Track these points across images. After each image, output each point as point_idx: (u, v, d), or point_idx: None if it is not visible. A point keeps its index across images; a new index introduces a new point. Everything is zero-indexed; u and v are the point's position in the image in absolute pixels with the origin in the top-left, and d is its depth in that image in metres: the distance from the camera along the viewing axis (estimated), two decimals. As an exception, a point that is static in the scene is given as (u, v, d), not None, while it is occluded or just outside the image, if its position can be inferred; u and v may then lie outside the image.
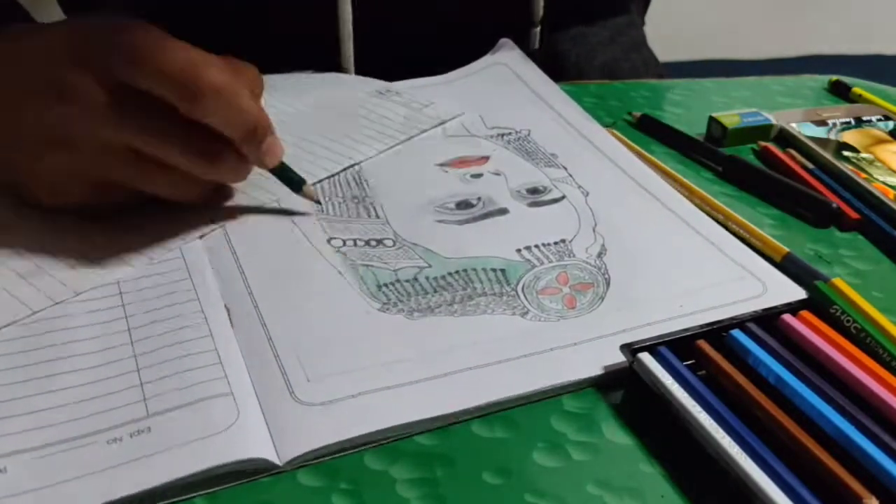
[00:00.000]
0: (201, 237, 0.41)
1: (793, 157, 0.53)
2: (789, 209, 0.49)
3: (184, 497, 0.29)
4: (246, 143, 0.40)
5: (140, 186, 0.40)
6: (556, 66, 0.67)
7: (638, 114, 0.57)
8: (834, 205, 0.47)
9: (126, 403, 0.31)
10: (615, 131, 0.55)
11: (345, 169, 0.48)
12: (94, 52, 0.37)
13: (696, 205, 0.47)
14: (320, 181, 0.46)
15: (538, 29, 0.67)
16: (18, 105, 0.38)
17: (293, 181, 0.43)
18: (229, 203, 0.44)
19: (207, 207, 0.43)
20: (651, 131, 0.57)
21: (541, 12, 0.66)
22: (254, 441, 0.30)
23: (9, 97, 0.38)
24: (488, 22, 0.67)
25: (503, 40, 0.63)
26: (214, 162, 0.39)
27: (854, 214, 0.47)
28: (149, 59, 0.36)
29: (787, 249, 0.43)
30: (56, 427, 0.30)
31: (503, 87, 0.59)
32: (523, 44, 0.66)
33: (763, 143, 0.55)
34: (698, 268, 0.41)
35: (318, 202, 0.44)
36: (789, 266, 0.42)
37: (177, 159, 0.38)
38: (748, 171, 0.52)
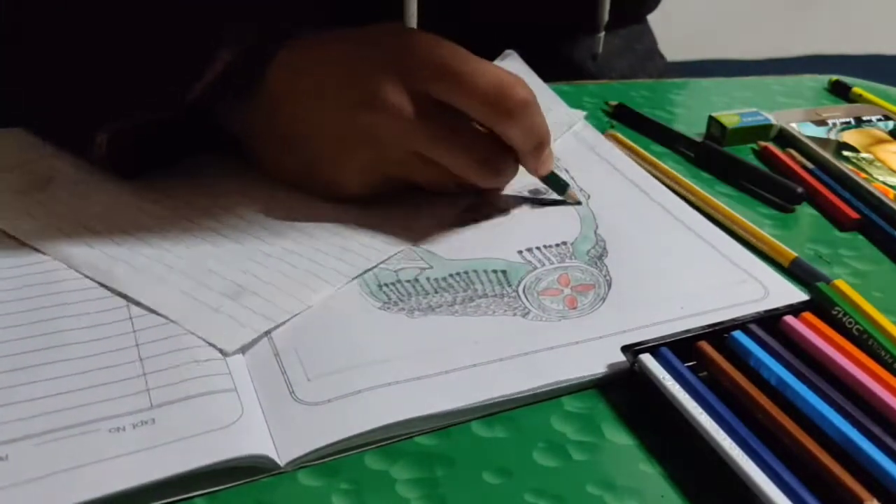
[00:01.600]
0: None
1: (792, 157, 0.53)
2: (757, 194, 0.50)
3: (183, 497, 0.29)
4: (531, 155, 0.43)
5: (427, 187, 0.44)
6: (574, 75, 0.67)
7: (614, 103, 0.58)
8: (799, 189, 0.48)
9: (129, 393, 0.31)
10: (616, 133, 0.55)
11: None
12: (410, 67, 0.40)
13: (700, 207, 0.47)
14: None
15: (602, 35, 0.68)
16: (331, 104, 0.41)
17: (559, 185, 0.46)
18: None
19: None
20: (626, 121, 0.57)
21: (606, 18, 0.67)
22: (258, 439, 0.30)
23: (322, 94, 0.41)
24: (553, 26, 0.68)
25: (507, 51, 0.63)
26: (499, 174, 0.43)
27: (854, 214, 0.47)
28: (464, 79, 0.40)
29: (794, 254, 0.42)
30: (57, 414, 0.30)
31: None
32: (585, 48, 0.68)
33: (763, 143, 0.55)
34: (700, 271, 0.41)
35: (580, 202, 0.46)
36: (796, 271, 0.42)
37: (468, 171, 0.42)
38: (718, 157, 0.53)
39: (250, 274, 0.38)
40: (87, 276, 0.37)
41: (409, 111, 0.40)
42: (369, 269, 0.39)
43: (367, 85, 0.40)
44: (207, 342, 0.34)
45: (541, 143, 0.42)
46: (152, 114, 0.44)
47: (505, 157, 0.43)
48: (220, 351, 0.34)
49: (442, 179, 0.43)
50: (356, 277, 0.39)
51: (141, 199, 0.43)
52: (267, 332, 0.35)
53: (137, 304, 0.36)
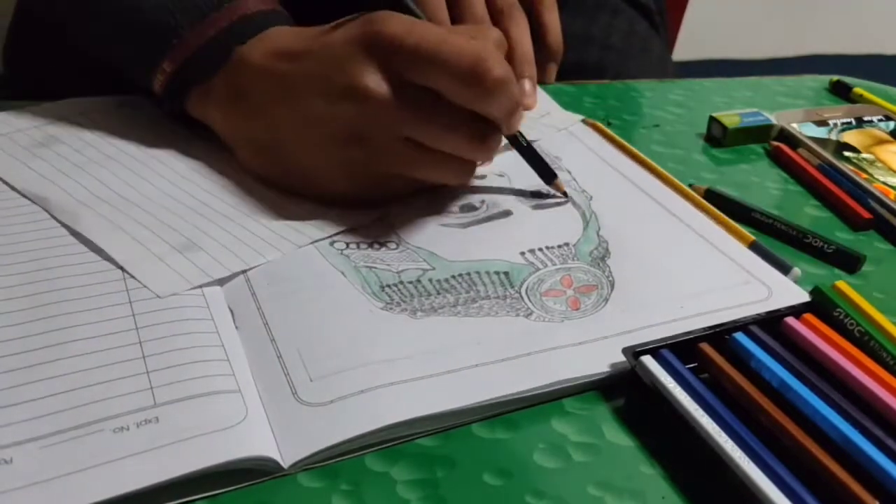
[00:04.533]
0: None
1: (804, 157, 0.53)
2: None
3: (184, 500, 0.28)
4: (507, 122, 0.43)
5: (419, 175, 0.43)
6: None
7: (702, 188, 0.50)
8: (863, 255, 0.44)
9: (133, 391, 0.31)
10: (599, 123, 0.55)
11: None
12: (386, 52, 0.39)
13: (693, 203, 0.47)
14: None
15: None
16: (300, 103, 0.41)
17: (548, 174, 0.47)
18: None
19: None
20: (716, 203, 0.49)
21: None
22: (263, 440, 0.30)
23: (286, 94, 0.41)
24: None
25: None
26: (485, 144, 0.42)
27: (866, 214, 0.47)
28: (439, 61, 0.39)
29: (752, 237, 0.43)
30: (61, 414, 0.30)
31: None
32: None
33: (775, 143, 0.55)
34: (703, 271, 0.41)
35: (566, 194, 0.47)
36: (756, 254, 0.43)
37: (454, 146, 0.41)
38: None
39: (202, 231, 0.41)
40: (55, 218, 0.41)
41: (390, 97, 0.39)
42: (319, 240, 0.41)
43: (344, 76, 0.40)
44: (143, 285, 0.37)
45: (514, 110, 0.42)
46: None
47: (489, 127, 0.42)
48: (156, 294, 0.36)
49: (434, 164, 0.42)
50: (304, 245, 0.41)
51: (135, 155, 0.47)
52: (201, 286, 0.37)
53: (92, 245, 0.39)
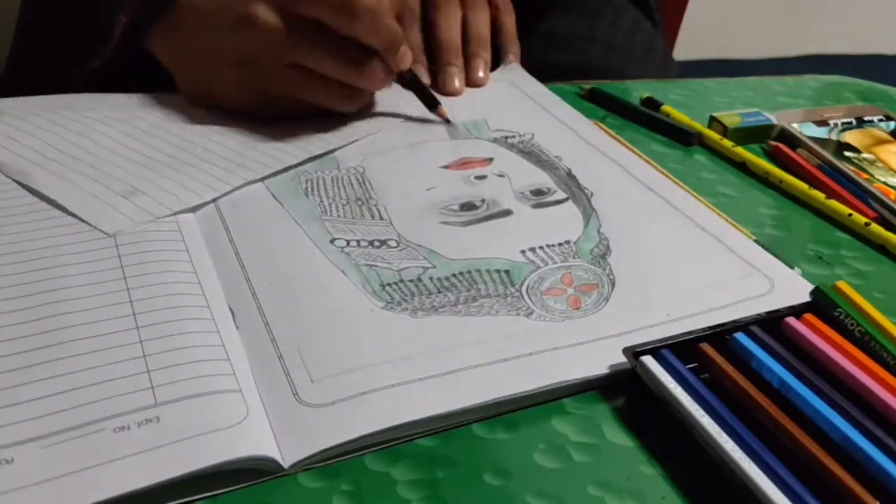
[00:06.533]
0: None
1: (804, 157, 0.53)
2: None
3: (184, 500, 0.28)
4: (387, 52, 0.49)
5: (306, 97, 0.50)
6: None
7: (588, 86, 0.61)
8: (694, 131, 0.55)
9: (133, 390, 0.31)
10: (602, 124, 0.55)
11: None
12: None
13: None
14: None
15: None
16: (208, 32, 0.48)
17: (431, 102, 0.54)
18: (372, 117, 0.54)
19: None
20: (602, 104, 0.61)
21: None
22: (264, 440, 0.30)
23: (200, 24, 0.48)
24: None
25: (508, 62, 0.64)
26: (363, 70, 0.49)
27: (871, 213, 0.47)
28: None
29: (754, 236, 0.44)
30: (62, 414, 0.30)
31: (506, 96, 0.59)
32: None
33: (773, 143, 0.55)
34: (705, 267, 0.41)
35: (449, 121, 0.54)
36: None
37: (334, 70, 0.48)
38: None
39: (144, 178, 0.45)
40: (11, 179, 0.44)
41: (277, 25, 0.46)
42: (268, 176, 0.46)
43: (238, 7, 0.46)
44: (93, 226, 0.41)
45: (391, 42, 0.48)
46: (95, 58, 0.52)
47: (367, 56, 0.48)
48: (104, 233, 0.40)
49: (320, 89, 0.49)
50: (253, 180, 0.46)
51: (79, 119, 0.50)
52: (148, 220, 0.41)
53: (46, 199, 0.43)
